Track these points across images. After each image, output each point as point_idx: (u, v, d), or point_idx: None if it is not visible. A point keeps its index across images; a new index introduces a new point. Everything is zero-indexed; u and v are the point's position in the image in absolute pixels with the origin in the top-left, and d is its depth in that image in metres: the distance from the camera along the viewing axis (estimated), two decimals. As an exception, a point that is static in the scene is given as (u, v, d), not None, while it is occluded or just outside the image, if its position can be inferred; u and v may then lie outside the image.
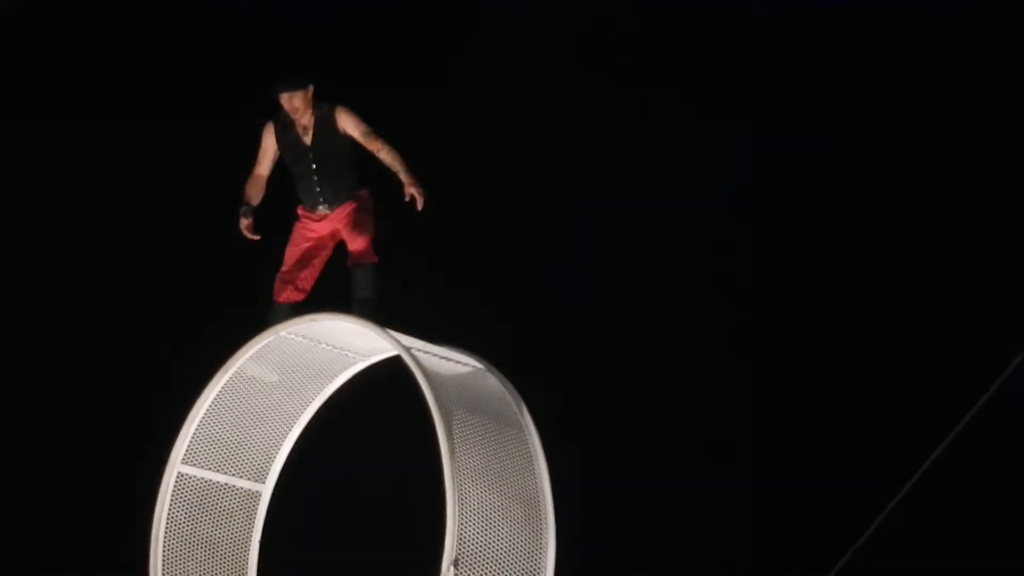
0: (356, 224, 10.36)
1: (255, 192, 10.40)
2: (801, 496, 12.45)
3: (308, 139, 10.31)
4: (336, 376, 10.79)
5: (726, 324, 13.13)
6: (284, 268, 10.45)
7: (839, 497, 12.15)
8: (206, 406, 10.47)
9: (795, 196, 12.98)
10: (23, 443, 13.11)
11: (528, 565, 9.57)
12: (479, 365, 10.27)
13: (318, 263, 10.50)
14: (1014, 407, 11.43)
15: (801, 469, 12.61)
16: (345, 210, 10.40)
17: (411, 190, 10.04)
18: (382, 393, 11.36)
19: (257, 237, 10.32)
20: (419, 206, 10.06)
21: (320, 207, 10.39)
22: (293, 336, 10.42)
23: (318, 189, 10.34)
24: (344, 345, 10.61)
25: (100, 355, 13.18)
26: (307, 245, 10.44)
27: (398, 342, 9.89)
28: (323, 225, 10.43)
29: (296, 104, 10.19)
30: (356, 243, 10.36)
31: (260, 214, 10.40)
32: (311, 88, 10.27)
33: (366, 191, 10.46)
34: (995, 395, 10.92)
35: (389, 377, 10.56)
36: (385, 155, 10.21)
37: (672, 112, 13.08)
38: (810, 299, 12.97)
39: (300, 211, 10.49)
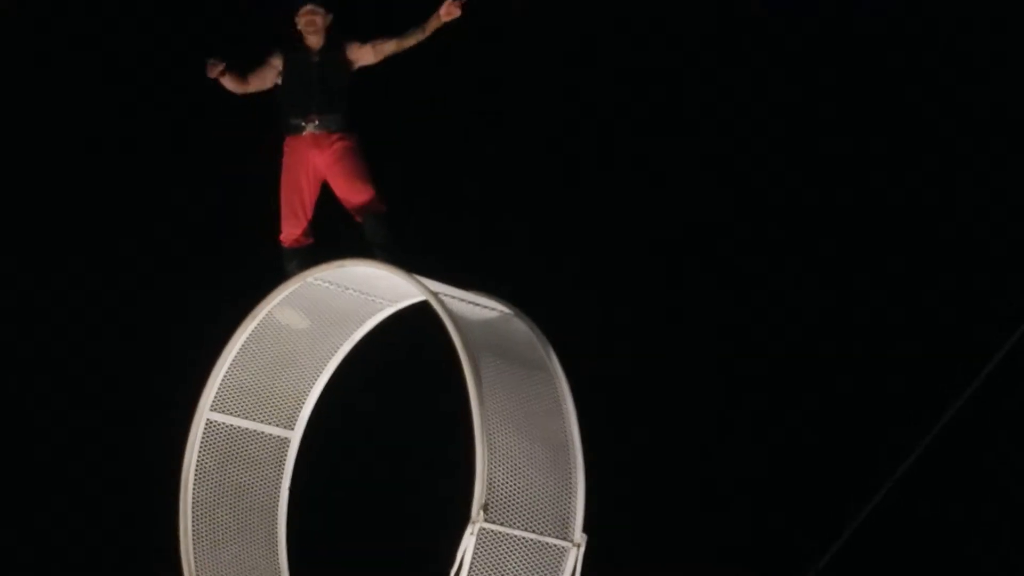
0: (351, 168, 10.36)
1: (238, 77, 10.34)
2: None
3: (315, 55, 10.36)
4: (364, 322, 10.78)
5: (756, 265, 13.08)
6: (284, 210, 10.46)
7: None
8: (234, 353, 10.49)
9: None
10: (56, 393, 13.15)
11: (558, 509, 9.57)
12: (506, 310, 10.24)
13: (311, 197, 10.45)
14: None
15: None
16: (335, 145, 10.37)
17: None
18: (410, 339, 11.34)
19: (214, 74, 10.21)
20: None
21: (310, 125, 10.35)
22: (320, 282, 10.41)
23: (318, 97, 10.31)
24: (371, 291, 10.59)
25: (127, 303, 13.18)
26: (299, 179, 10.39)
27: (426, 287, 9.87)
28: (313, 154, 10.35)
29: (315, 20, 10.32)
30: (357, 192, 10.34)
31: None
32: (330, 17, 10.38)
33: (356, 136, 10.45)
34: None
35: (417, 323, 10.55)
36: (399, 40, 10.29)
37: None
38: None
39: (288, 141, 10.44)
